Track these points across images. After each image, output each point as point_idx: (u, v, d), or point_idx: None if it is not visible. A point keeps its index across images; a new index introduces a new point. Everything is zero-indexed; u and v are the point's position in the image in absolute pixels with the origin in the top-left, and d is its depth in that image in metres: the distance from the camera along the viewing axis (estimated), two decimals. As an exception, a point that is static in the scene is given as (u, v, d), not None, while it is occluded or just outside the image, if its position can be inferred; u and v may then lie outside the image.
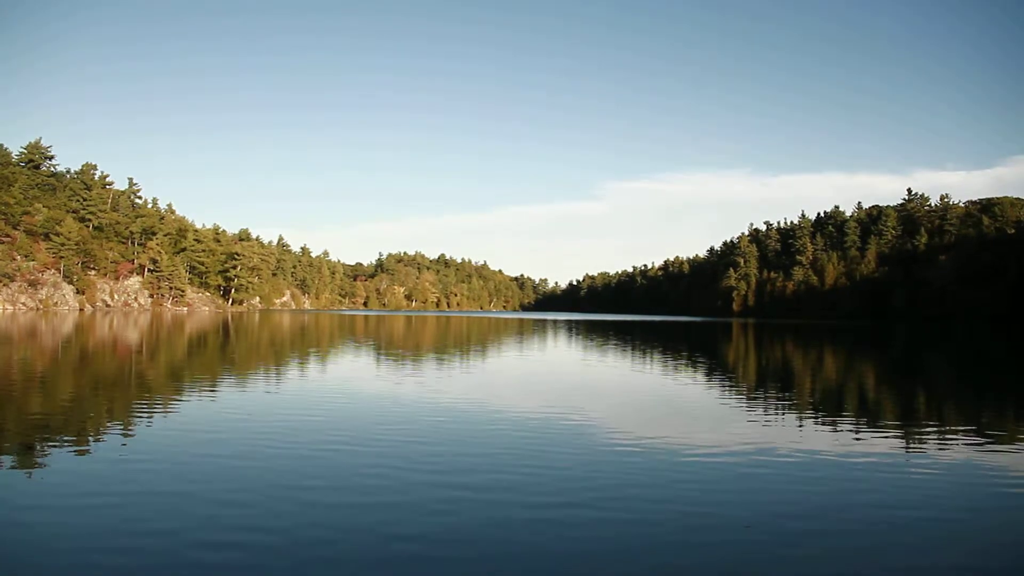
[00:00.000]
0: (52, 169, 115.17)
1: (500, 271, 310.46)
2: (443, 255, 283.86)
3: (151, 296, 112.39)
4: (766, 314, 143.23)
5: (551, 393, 16.92)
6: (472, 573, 5.57)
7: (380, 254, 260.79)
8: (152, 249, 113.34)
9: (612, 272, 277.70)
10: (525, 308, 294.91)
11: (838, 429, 12.22)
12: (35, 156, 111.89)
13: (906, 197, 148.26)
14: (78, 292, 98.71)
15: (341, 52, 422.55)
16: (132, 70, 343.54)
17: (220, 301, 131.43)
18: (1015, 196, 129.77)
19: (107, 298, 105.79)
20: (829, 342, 45.72)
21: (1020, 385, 22.40)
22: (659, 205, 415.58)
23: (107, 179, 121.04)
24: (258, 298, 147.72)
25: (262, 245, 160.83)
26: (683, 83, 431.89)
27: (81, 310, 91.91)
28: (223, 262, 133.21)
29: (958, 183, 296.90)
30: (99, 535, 6.24)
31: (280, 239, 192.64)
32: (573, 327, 68.61)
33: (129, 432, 10.96)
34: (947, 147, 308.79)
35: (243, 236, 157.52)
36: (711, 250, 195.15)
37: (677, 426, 12.20)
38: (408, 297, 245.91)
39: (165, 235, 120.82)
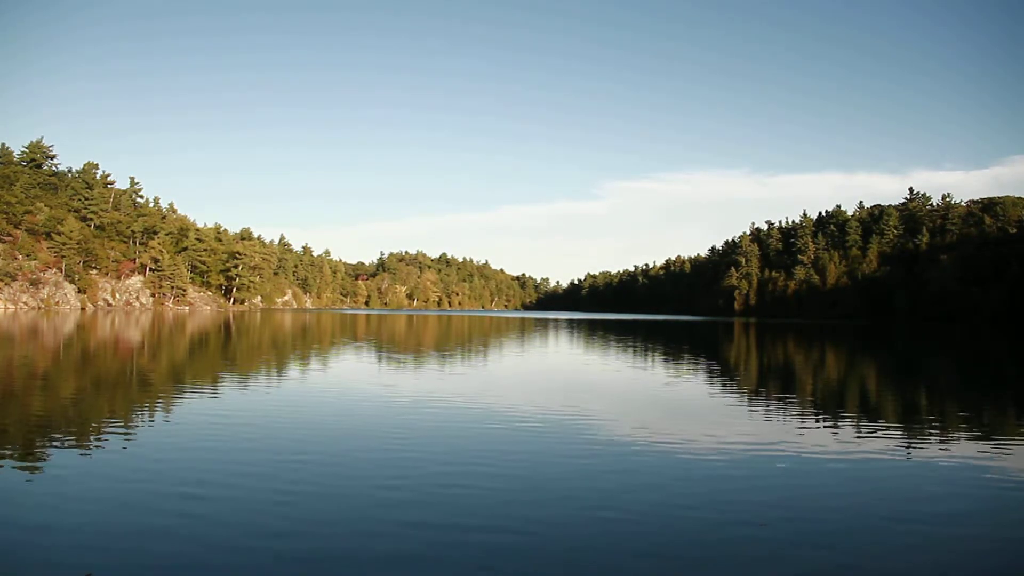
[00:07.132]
0: (54, 168, 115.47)
1: (501, 270, 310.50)
2: (444, 254, 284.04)
3: (153, 295, 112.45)
4: (767, 313, 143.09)
5: (553, 392, 16.89)
6: (472, 569, 5.56)
7: (382, 253, 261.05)
8: (154, 248, 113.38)
9: (613, 271, 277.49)
10: (527, 307, 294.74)
11: (843, 428, 12.19)
12: (37, 155, 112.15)
13: (908, 196, 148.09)
14: (80, 291, 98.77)
15: (343, 51, 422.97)
16: (133, 69, 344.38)
17: (222, 300, 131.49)
18: (1016, 195, 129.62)
19: (109, 297, 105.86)
20: (831, 341, 45.66)
21: (1021, 385, 22.35)
22: (659, 205, 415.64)
23: (109, 178, 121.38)
24: (260, 297, 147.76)
25: (264, 244, 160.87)
26: (683, 83, 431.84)
27: (83, 309, 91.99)
28: (225, 261, 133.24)
29: (956, 183, 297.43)
30: (99, 536, 6.22)
31: (282, 238, 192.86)
32: (575, 326, 68.58)
33: (130, 433, 10.95)
34: (945, 147, 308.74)
35: (245, 235, 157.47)
36: (713, 249, 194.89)
37: (683, 425, 12.17)
38: (410, 296, 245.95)
39: (167, 234, 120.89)
